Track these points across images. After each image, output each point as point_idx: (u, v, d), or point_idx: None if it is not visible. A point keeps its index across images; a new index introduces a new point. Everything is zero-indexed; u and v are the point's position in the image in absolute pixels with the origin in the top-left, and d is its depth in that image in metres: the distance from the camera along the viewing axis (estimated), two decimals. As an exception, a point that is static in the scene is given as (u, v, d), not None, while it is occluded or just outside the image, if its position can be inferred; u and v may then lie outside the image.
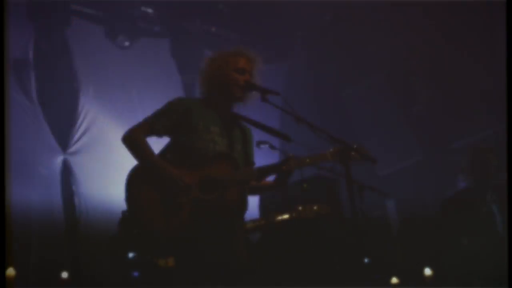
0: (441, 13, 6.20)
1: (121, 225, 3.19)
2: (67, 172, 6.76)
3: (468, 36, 6.27)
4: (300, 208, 4.97)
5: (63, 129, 6.85)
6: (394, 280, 6.74)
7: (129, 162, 3.27)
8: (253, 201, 6.85)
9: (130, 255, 5.51)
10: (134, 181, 3.17)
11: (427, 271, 6.70)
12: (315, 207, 4.95)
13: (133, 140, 3.21)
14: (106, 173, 6.74)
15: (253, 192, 3.41)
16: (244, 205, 3.20)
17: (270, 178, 3.46)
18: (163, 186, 3.12)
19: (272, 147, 4.04)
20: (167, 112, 3.31)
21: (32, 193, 6.36)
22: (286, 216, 5.03)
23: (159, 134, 3.29)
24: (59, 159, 6.75)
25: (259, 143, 3.84)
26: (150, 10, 7.28)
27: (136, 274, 5.43)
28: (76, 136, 6.91)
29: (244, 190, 3.20)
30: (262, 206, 7.01)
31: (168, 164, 3.17)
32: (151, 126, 3.26)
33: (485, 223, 5.22)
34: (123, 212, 3.13)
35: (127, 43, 7.28)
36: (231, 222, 3.25)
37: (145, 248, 3.66)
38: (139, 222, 3.10)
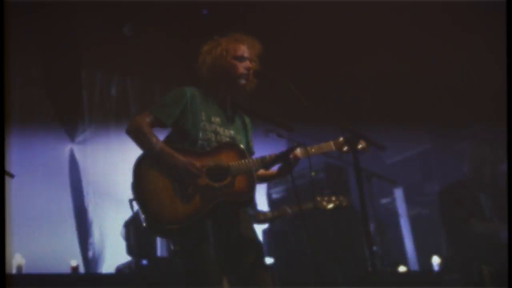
0: (440, 13, 6.19)
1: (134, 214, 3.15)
2: (74, 160, 6.77)
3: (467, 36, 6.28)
4: (318, 199, 4.83)
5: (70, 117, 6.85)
6: (402, 268, 6.74)
7: (134, 150, 3.23)
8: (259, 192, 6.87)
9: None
10: (141, 169, 3.12)
11: (435, 259, 6.69)
12: (333, 198, 4.80)
13: (139, 129, 3.12)
14: (112, 161, 6.76)
15: (258, 181, 3.38)
16: (252, 194, 3.17)
17: (274, 167, 3.42)
18: (172, 173, 3.09)
19: (280, 135, 3.97)
20: (172, 102, 3.24)
21: (39, 181, 6.38)
22: (305, 207, 4.86)
23: (165, 124, 3.21)
24: (66, 148, 6.76)
25: (267, 130, 3.75)
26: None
27: (145, 262, 5.44)
28: (83, 125, 6.92)
29: (253, 179, 3.18)
30: (269, 196, 7.01)
31: (176, 152, 3.12)
32: (156, 116, 3.19)
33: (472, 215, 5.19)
34: (130, 200, 3.09)
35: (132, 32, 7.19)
36: (238, 211, 3.24)
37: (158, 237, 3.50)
38: (148, 210, 3.05)
